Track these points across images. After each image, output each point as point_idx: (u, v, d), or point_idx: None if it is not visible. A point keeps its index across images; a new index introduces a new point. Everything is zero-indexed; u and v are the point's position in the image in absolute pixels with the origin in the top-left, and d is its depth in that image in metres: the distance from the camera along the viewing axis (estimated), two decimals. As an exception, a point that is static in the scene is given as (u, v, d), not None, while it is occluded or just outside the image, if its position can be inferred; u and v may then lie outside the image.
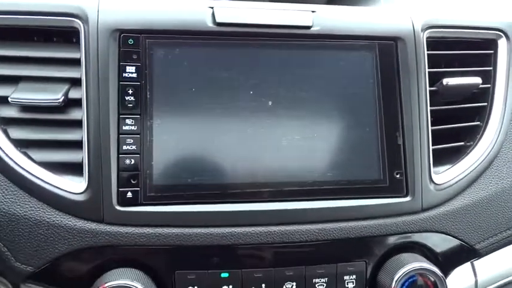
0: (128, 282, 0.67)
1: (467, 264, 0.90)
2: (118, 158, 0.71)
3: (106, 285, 0.67)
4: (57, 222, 0.70)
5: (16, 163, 0.70)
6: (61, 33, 0.75)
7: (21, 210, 0.70)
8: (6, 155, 0.71)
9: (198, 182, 0.72)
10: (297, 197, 0.74)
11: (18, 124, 0.73)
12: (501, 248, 0.84)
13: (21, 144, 0.72)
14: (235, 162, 0.73)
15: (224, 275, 0.72)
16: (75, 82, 0.73)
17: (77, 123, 0.72)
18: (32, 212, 0.70)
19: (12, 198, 0.70)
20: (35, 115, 0.73)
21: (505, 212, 0.82)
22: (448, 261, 0.80)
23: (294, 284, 0.73)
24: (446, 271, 0.80)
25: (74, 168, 0.72)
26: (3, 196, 0.70)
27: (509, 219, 0.82)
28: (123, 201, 0.71)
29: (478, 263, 0.91)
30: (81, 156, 0.71)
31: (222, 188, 0.73)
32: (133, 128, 0.71)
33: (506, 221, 0.82)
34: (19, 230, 0.70)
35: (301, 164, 0.75)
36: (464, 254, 0.81)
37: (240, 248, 0.73)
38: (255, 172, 0.73)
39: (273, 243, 0.73)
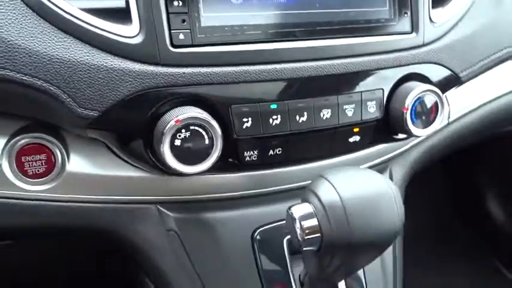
0: (198, 114, 0.73)
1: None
2: (166, 1, 0.72)
3: (179, 117, 0.72)
4: (115, 66, 0.71)
5: (60, 8, 0.69)
6: None
7: (76, 56, 0.70)
8: (50, 1, 0.68)
9: (242, 23, 0.77)
10: (327, 35, 0.83)
11: None
12: (475, 76, 1.02)
13: None
14: (274, 9, 0.80)
15: (273, 106, 0.81)
16: None
17: None
18: (88, 57, 0.70)
19: (63, 45, 0.69)
20: None
21: (484, 44, 0.99)
22: (439, 88, 0.95)
23: (330, 110, 0.85)
24: None
25: (117, 14, 0.72)
26: (54, 43, 0.69)
27: (484, 49, 0.99)
28: (176, 42, 0.74)
29: (450, 94, 1.09)
30: (124, 0, 0.72)
31: (264, 28, 0.79)
32: None
33: (482, 52, 0.99)
34: (78, 75, 0.70)
35: (326, 6, 0.83)
36: (451, 82, 0.98)
37: (284, 82, 0.81)
38: (287, 14, 0.80)
39: (309, 76, 0.82)
